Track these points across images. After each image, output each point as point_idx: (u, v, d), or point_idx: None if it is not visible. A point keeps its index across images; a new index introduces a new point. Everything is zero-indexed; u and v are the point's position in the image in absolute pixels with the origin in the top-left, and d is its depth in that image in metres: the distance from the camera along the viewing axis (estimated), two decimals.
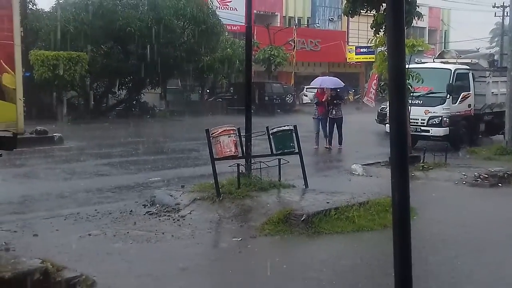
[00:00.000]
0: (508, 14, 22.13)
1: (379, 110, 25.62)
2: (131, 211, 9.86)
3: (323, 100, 19.81)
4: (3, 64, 8.33)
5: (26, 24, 27.98)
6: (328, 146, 19.70)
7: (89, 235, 8.35)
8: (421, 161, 14.90)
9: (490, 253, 8.01)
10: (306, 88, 51.18)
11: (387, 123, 20.45)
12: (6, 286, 5.71)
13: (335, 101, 19.76)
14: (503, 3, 52.56)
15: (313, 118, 20.08)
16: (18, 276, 5.88)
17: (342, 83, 22.25)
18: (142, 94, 36.57)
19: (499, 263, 7.57)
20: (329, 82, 21.12)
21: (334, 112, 19.60)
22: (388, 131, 19.91)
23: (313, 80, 23.30)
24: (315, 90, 22.02)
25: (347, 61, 57.91)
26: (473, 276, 7.11)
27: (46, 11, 34.46)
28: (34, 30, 31.13)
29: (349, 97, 50.19)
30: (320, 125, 19.63)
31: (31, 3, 32.58)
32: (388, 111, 19.53)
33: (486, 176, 13.28)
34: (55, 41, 30.70)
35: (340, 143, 19.84)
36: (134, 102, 35.83)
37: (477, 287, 6.80)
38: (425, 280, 6.51)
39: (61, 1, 34.64)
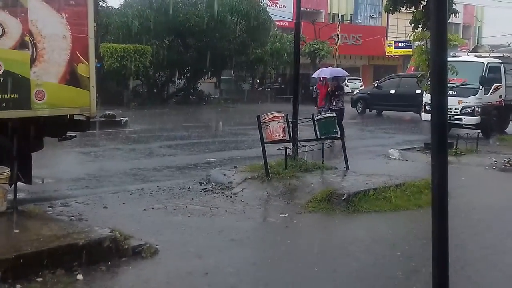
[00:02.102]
0: None
1: None
2: (189, 188, 9.95)
3: (328, 91, 17.38)
4: (79, 55, 8.46)
5: (98, 20, 28.33)
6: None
7: (152, 208, 8.46)
8: (454, 147, 14.63)
9: None
10: (347, 79, 50.74)
11: (422, 112, 20.13)
12: (80, 252, 5.84)
13: (337, 92, 17.42)
14: None
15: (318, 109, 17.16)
16: (90, 243, 6.00)
17: (344, 72, 20.25)
18: (199, 83, 36.75)
19: None
20: (328, 71, 18.59)
21: (335, 103, 17.17)
22: (423, 119, 19.61)
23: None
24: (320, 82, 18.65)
25: (386, 54, 57.05)
26: (498, 247, 7.08)
27: (115, 8, 34.95)
28: (104, 25, 31.52)
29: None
30: None
31: (102, 1, 32.99)
32: (424, 101, 19.30)
33: None
34: (123, 35, 31.16)
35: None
36: (192, 90, 36.04)
37: (503, 253, 6.66)
38: (456, 252, 6.40)
39: None
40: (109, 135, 17.64)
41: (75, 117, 9.01)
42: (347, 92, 47.76)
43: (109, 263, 5.91)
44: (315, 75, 20.22)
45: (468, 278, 5.94)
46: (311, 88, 38.69)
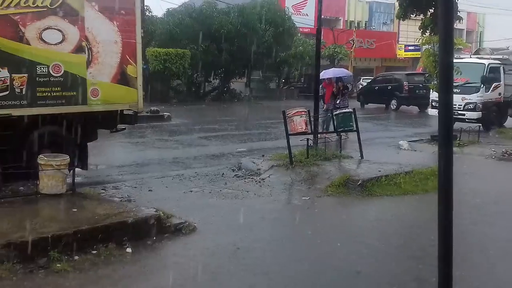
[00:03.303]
0: None
1: None
2: (222, 174, 9.98)
3: (333, 90, 15.68)
4: (128, 58, 8.54)
5: (144, 27, 28.51)
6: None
7: (191, 191, 8.52)
8: (458, 139, 14.43)
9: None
10: (362, 78, 50.31)
11: (429, 108, 19.89)
12: (129, 229, 5.92)
13: (343, 91, 15.88)
14: None
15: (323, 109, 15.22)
16: (138, 221, 6.09)
17: (348, 72, 18.73)
18: (231, 83, 36.75)
19: None
20: (331, 72, 16.78)
21: (339, 102, 15.56)
22: (430, 114, 19.32)
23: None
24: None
25: (397, 56, 56.30)
26: (496, 222, 7.03)
27: (159, 17, 35.07)
28: (149, 32, 31.70)
29: (354, 89, 42.73)
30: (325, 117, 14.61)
31: (147, 11, 33.19)
32: (431, 98, 19.04)
33: None
34: (166, 41, 31.32)
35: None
36: (225, 89, 36.07)
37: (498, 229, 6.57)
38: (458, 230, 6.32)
39: (170, 9, 35.33)
40: (153, 127, 17.75)
41: (125, 112, 9.10)
42: None
43: (154, 238, 5.99)
44: (321, 75, 17.81)
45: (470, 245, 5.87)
46: (320, 87, 38.48)
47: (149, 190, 8.48)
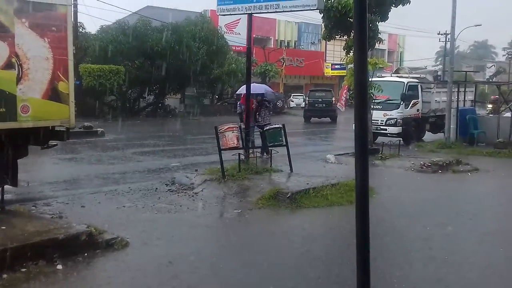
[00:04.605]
0: (449, 40, 22.21)
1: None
2: (156, 188, 9.88)
3: (252, 107, 14.08)
4: (60, 74, 8.31)
5: (77, 44, 27.90)
6: (255, 155, 12.19)
7: (124, 206, 8.38)
8: (380, 152, 14.96)
9: (426, 214, 8.09)
10: (292, 95, 51.31)
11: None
12: (60, 245, 5.74)
13: (262, 108, 14.66)
14: (446, 31, 52.46)
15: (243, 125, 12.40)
16: (69, 237, 5.91)
17: (268, 88, 17.76)
18: (166, 99, 36.45)
19: (434, 215, 7.64)
20: (252, 88, 13.94)
21: (260, 119, 14.42)
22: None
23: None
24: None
25: (324, 74, 57.79)
26: (416, 224, 7.22)
27: (93, 34, 34.47)
28: (83, 48, 31.09)
29: (285, 105, 44.51)
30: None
31: (81, 27, 32.51)
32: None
33: (429, 164, 13.33)
34: (99, 57, 30.76)
35: (263, 153, 13.33)
36: (160, 104, 35.74)
37: (417, 227, 6.87)
38: (381, 231, 6.57)
39: (104, 26, 34.93)
40: (87, 143, 17.33)
41: (56, 128, 8.83)
42: (293, 107, 48.37)
43: (85, 254, 5.83)
44: (239, 91, 17.09)
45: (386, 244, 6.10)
46: (237, 104, 38.90)
47: (81, 206, 8.27)
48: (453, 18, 18.73)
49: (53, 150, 10.62)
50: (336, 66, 54.65)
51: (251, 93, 13.34)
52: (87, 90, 28.06)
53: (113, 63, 30.12)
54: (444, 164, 13.49)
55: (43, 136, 8.66)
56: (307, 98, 35.24)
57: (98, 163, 13.65)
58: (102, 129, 20.39)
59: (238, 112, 16.18)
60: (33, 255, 5.42)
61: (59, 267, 5.44)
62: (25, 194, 9.14)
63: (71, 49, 8.49)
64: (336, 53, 53.03)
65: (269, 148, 11.49)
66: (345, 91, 16.88)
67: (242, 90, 15.00)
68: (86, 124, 19.97)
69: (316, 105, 33.62)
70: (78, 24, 30.88)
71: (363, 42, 2.68)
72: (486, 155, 16.44)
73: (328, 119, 33.24)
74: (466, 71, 26.29)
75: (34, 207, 7.95)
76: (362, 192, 2.75)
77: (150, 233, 6.94)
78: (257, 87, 15.88)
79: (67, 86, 8.46)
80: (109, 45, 31.08)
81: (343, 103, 17.44)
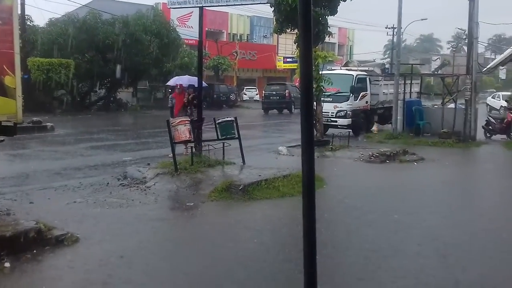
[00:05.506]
0: (396, 33, 22.67)
1: None
2: (108, 183, 9.72)
3: (184, 101, 13.79)
4: (5, 68, 8.03)
5: (25, 37, 27.00)
6: (187, 153, 11.99)
7: (74, 202, 8.20)
8: (330, 144, 15.18)
9: (374, 200, 8.29)
10: (245, 88, 51.39)
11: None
12: (7, 243, 5.57)
13: (194, 101, 13.24)
14: (393, 25, 53.58)
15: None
16: (17, 234, 5.74)
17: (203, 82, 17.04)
18: (117, 92, 35.80)
19: (382, 201, 7.84)
20: (186, 79, 15.21)
21: (190, 113, 13.29)
22: None
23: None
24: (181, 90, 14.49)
25: (277, 68, 58.11)
26: (362, 212, 7.38)
27: (41, 27, 33.44)
28: (31, 42, 30.15)
29: (238, 98, 44.52)
30: None
31: (29, 20, 31.46)
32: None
33: (377, 155, 13.63)
34: (48, 51, 29.93)
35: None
36: (112, 98, 35.10)
37: (364, 215, 7.03)
38: (331, 220, 6.68)
39: (53, 19, 33.88)
40: (36, 138, 16.83)
41: (3, 123, 8.53)
42: (246, 100, 48.45)
43: (34, 251, 5.68)
44: (170, 82, 16.55)
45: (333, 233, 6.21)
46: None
47: (30, 203, 8.03)
48: (399, 13, 19.18)
49: (0, 145, 10.30)
50: (288, 60, 54.97)
51: (187, 84, 13.69)
52: (36, 84, 27.23)
53: (63, 57, 29.38)
54: (392, 154, 13.81)
55: None
56: (263, 92, 37.47)
57: (47, 158, 13.29)
58: (51, 124, 19.85)
59: (169, 106, 15.30)
60: None
61: (7, 264, 5.28)
62: None
63: (17, 42, 8.21)
64: (288, 46, 53.29)
65: (222, 141, 11.46)
66: (296, 83, 17.04)
67: (178, 80, 14.89)
68: (35, 119, 19.39)
69: (271, 97, 35.76)
70: (26, 16, 29.89)
71: (307, 34, 2.70)
72: (431, 145, 16.95)
73: (287, 111, 35.16)
74: (412, 64, 26.94)
75: None
76: (308, 182, 2.79)
77: (101, 228, 6.82)
78: (192, 79, 15.58)
79: (14, 80, 8.18)
80: (58, 38, 30.31)
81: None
